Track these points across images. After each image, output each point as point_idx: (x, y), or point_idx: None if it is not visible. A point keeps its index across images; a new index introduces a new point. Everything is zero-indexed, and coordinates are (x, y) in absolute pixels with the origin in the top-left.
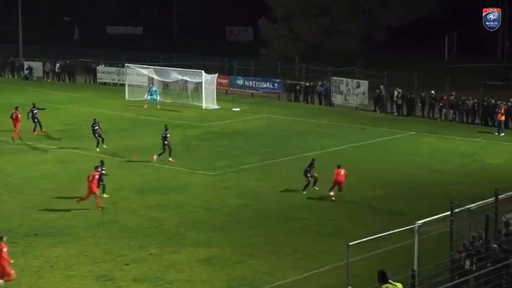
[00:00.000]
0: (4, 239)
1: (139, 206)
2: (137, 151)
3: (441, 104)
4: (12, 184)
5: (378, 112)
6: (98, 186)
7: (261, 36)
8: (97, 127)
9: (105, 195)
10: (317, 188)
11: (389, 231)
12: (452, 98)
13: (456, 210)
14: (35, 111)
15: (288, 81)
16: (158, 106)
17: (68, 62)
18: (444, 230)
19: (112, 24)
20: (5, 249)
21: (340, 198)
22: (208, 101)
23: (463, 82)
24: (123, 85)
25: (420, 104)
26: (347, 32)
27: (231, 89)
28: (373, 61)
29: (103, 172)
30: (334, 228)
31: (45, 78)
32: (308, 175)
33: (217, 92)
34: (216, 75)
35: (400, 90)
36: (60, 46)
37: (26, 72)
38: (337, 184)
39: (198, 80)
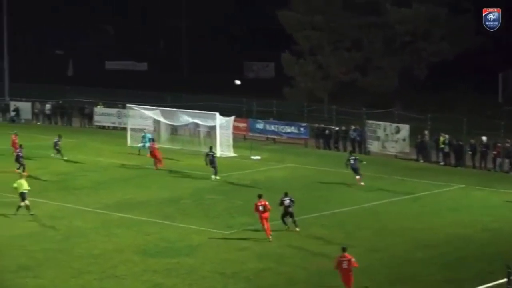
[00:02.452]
0: None
1: (143, 270)
2: (139, 205)
3: (494, 152)
4: None
5: (421, 161)
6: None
7: (284, 72)
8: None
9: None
10: None
11: None
12: (507, 145)
13: None
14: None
15: (316, 125)
16: (148, 154)
17: (60, 102)
18: None
19: (111, 59)
20: None
21: (377, 260)
22: (224, 148)
23: None
24: (124, 129)
25: (470, 153)
26: (383, 69)
27: (250, 134)
28: (415, 102)
29: None
30: None
31: (34, 121)
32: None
33: (233, 138)
34: (233, 118)
35: (446, 136)
36: (52, 84)
37: (12, 114)
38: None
39: (212, 124)
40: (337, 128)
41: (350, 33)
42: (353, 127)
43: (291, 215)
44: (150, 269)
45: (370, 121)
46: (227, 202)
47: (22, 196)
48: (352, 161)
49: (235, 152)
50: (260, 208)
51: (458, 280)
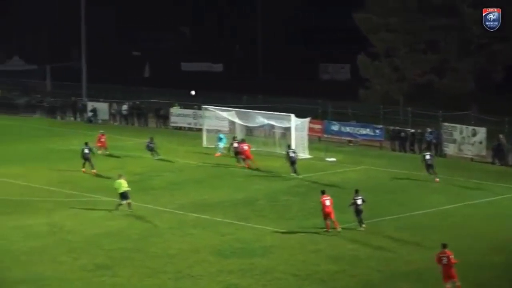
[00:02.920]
0: None
1: (218, 271)
2: (214, 206)
3: None
4: (72, 242)
5: (498, 164)
6: None
7: (359, 74)
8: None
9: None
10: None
11: None
12: None
13: None
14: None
15: (392, 127)
16: (217, 153)
17: (137, 103)
18: None
19: (187, 60)
20: None
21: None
22: (299, 150)
23: None
24: (200, 129)
25: None
26: (460, 71)
27: (325, 136)
28: (492, 105)
29: None
30: None
31: (111, 121)
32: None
33: (309, 139)
34: (308, 119)
35: None
36: (129, 85)
37: (89, 114)
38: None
39: (287, 125)
40: (412, 131)
41: (426, 35)
42: (429, 130)
43: (359, 213)
44: (225, 270)
45: (446, 124)
46: (301, 204)
47: (123, 195)
48: (428, 157)
49: (310, 153)
50: (327, 202)
51: None
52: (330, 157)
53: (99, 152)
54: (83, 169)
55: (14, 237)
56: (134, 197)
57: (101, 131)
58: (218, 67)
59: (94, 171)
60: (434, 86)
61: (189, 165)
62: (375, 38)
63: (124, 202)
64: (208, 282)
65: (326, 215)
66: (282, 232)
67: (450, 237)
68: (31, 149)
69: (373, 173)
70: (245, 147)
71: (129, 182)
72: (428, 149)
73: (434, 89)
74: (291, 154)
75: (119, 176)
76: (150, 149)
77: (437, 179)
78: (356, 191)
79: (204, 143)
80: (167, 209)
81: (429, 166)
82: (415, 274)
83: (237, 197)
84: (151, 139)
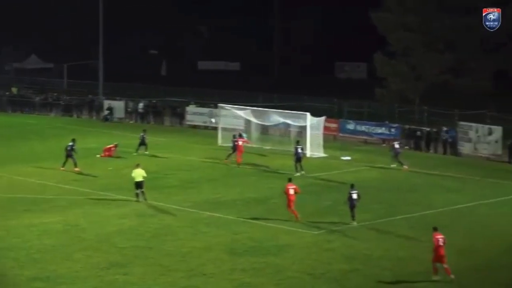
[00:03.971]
0: None
1: (231, 269)
2: (227, 204)
3: None
4: (86, 240)
5: None
6: None
7: (376, 73)
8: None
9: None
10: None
11: None
12: None
13: None
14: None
15: (407, 126)
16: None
17: (154, 101)
18: None
19: (204, 59)
20: None
21: (469, 264)
22: (314, 148)
23: None
24: (215, 128)
25: None
26: (476, 70)
27: (340, 134)
28: (508, 104)
29: None
30: None
31: (127, 120)
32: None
33: (324, 138)
34: (324, 118)
35: None
36: (145, 83)
37: (106, 112)
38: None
39: (302, 124)
40: (428, 130)
41: (444, 34)
42: (445, 129)
43: (353, 208)
44: (237, 268)
45: (462, 123)
46: (316, 202)
47: (138, 185)
48: (397, 146)
49: (325, 152)
50: (291, 191)
51: None
52: (345, 156)
53: (98, 156)
54: (62, 168)
55: (28, 235)
56: (148, 195)
57: (116, 143)
58: (235, 66)
59: (77, 169)
60: (450, 85)
61: (203, 164)
62: (392, 37)
63: (138, 191)
64: (221, 280)
65: (290, 203)
66: (296, 231)
67: (465, 236)
68: (46, 147)
69: (388, 172)
70: (240, 142)
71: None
72: (443, 148)
73: (450, 89)
74: (299, 150)
75: (137, 166)
76: (143, 142)
77: (405, 167)
78: (352, 186)
79: (220, 141)
80: (181, 207)
81: (397, 155)
82: (427, 273)
83: (251, 195)
84: (145, 131)
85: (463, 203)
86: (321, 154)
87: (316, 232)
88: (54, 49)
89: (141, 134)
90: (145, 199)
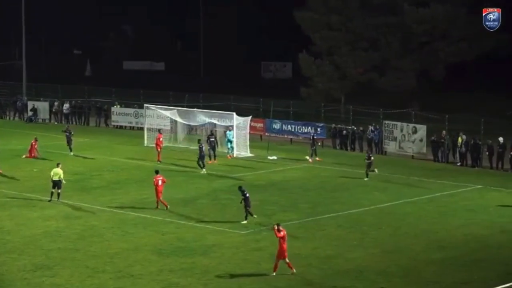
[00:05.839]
0: None
1: (159, 270)
2: (154, 205)
3: None
4: (11, 243)
5: (438, 162)
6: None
7: (301, 73)
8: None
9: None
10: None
11: None
12: None
13: None
14: None
15: (333, 125)
16: (230, 155)
17: (79, 102)
18: None
19: (129, 59)
20: None
21: (394, 261)
22: (240, 148)
23: None
24: (141, 129)
25: (487, 153)
26: (401, 69)
27: (266, 134)
28: (432, 103)
29: None
30: None
31: (52, 121)
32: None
33: (250, 138)
34: (250, 118)
35: (464, 137)
36: (69, 84)
37: (30, 113)
38: None
39: (229, 124)
40: (354, 128)
41: (367, 33)
42: (370, 128)
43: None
44: (165, 269)
45: (387, 122)
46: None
47: (55, 183)
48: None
49: (251, 152)
50: (159, 182)
51: (475, 281)
52: (271, 155)
53: (23, 156)
54: None
55: None
56: (74, 197)
57: (35, 137)
58: (160, 66)
59: None
60: (375, 84)
61: (130, 165)
62: (316, 37)
63: (54, 190)
64: (149, 281)
65: (158, 194)
66: (223, 231)
67: (391, 234)
68: None
69: (314, 171)
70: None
71: (69, 182)
72: (369, 146)
73: (375, 88)
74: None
75: (57, 165)
76: (69, 140)
77: (310, 160)
78: (240, 187)
79: (146, 142)
80: (107, 208)
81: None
82: (355, 271)
83: (178, 196)
84: (68, 128)
85: (388, 202)
86: (247, 153)
87: (243, 232)
88: None
89: (66, 132)
90: (60, 201)
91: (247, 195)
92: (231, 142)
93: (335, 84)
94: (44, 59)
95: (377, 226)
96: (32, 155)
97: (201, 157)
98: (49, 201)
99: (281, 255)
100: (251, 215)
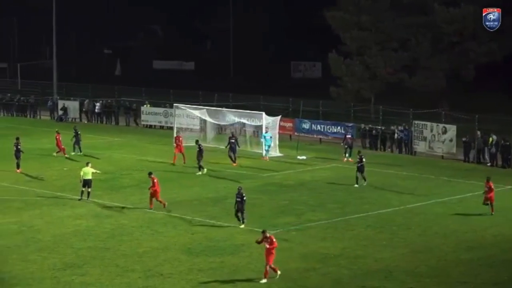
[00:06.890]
0: None
1: (188, 269)
2: (183, 204)
3: None
4: (41, 241)
5: (468, 162)
6: None
7: (331, 73)
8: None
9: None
10: None
11: None
12: None
13: None
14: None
15: (363, 125)
16: (266, 157)
17: (109, 101)
18: None
19: (159, 58)
20: None
21: (422, 261)
22: (270, 148)
23: None
24: (170, 128)
25: None
26: (430, 69)
27: (296, 134)
28: (462, 103)
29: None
30: None
31: (82, 120)
32: None
33: (280, 137)
34: (279, 117)
35: (495, 137)
36: (99, 83)
37: (60, 112)
38: None
39: (258, 124)
40: (383, 129)
41: (397, 33)
42: (399, 128)
43: (242, 211)
44: (195, 268)
45: (417, 122)
46: (272, 202)
47: (85, 182)
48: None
49: (281, 151)
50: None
51: (505, 282)
52: (301, 155)
53: (55, 153)
54: (18, 170)
55: None
56: (104, 196)
57: (56, 129)
58: (190, 66)
59: (18, 170)
60: (405, 84)
61: (159, 164)
62: (346, 36)
63: (85, 189)
64: (178, 280)
65: (157, 194)
66: (252, 230)
67: (420, 234)
68: (0, 148)
69: (344, 171)
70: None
71: (99, 181)
72: (398, 147)
73: (405, 87)
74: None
75: (87, 164)
76: (77, 141)
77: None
78: (239, 189)
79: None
80: (137, 208)
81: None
82: (384, 272)
83: (207, 195)
84: (75, 128)
85: (418, 202)
86: (277, 153)
87: (272, 232)
88: (7, 49)
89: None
90: (89, 200)
91: (245, 198)
92: (269, 144)
93: (365, 84)
94: (74, 59)
95: (406, 226)
96: (62, 147)
97: (199, 157)
98: (79, 200)
99: (270, 259)
100: (241, 220)
